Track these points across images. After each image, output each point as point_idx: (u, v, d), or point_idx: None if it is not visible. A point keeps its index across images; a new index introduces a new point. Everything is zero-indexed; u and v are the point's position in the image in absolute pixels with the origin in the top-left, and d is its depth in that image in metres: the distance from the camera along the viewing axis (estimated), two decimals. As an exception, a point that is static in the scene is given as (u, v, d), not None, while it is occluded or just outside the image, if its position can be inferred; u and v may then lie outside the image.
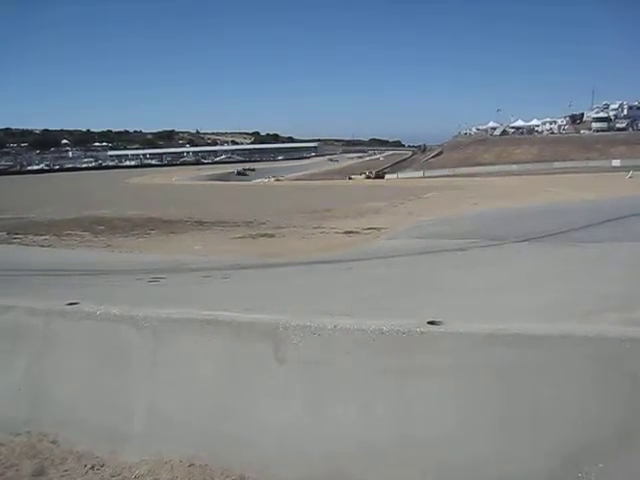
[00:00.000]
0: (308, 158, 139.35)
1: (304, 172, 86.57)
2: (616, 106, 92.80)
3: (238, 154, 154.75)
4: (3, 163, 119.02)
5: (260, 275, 9.61)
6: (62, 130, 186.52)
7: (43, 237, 16.86)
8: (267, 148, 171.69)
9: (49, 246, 15.15)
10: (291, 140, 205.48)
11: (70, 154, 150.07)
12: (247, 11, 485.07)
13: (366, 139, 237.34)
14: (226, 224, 19.78)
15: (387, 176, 70.98)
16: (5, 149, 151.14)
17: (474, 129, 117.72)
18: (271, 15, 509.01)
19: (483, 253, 11.19)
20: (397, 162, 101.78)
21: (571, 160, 67.77)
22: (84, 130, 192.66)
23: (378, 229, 16.92)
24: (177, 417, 3.37)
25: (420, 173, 71.50)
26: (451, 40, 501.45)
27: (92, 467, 3.30)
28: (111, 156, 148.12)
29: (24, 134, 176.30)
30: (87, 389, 3.64)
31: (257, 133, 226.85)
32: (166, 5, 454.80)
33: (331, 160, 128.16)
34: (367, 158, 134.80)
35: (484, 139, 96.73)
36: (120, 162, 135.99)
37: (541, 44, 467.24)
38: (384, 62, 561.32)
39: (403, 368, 2.95)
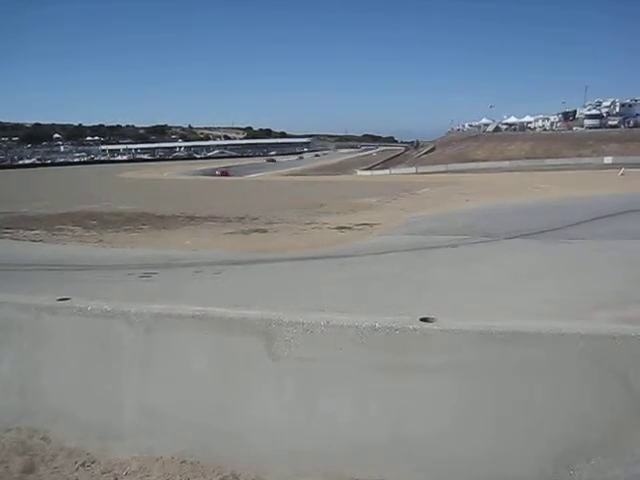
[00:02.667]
0: (300, 153, 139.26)
1: (297, 167, 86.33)
2: (608, 103, 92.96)
3: (231, 149, 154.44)
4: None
5: (252, 271, 9.59)
6: (54, 124, 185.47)
7: (34, 232, 16.77)
8: (260, 143, 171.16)
9: (40, 241, 15.07)
10: (284, 135, 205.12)
11: (62, 148, 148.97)
12: (241, 8, 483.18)
13: (359, 135, 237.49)
14: (218, 219, 19.74)
15: (379, 172, 70.95)
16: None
17: (467, 125, 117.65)
18: (265, 12, 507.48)
19: (475, 249, 11.22)
20: (390, 158, 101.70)
21: (563, 157, 67.93)
22: (76, 124, 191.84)
23: (371, 225, 16.94)
24: (169, 413, 3.35)
25: (413, 169, 71.47)
26: (445, 37, 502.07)
27: (83, 464, 3.28)
28: (103, 150, 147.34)
29: (15, 128, 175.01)
30: (78, 385, 3.61)
31: (250, 128, 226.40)
32: (160, 1, 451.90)
33: (317, 156, 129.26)
34: (360, 154, 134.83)
35: (477, 135, 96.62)
36: (112, 157, 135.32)
37: (535, 42, 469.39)
38: (378, 59, 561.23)
39: (396, 365, 2.95)
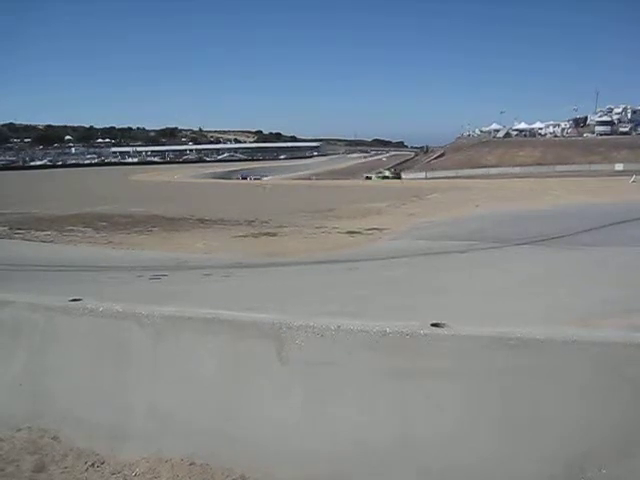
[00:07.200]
0: (311, 157, 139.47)
1: (305, 172, 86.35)
2: (620, 110, 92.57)
3: (241, 152, 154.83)
4: (6, 158, 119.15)
5: (262, 274, 9.59)
6: (65, 126, 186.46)
7: (45, 233, 16.87)
8: (270, 147, 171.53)
9: (51, 242, 15.15)
10: (294, 139, 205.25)
11: (73, 150, 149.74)
12: (251, 10, 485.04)
13: (369, 139, 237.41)
14: (228, 222, 19.78)
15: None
16: (8, 144, 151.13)
17: (477, 131, 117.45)
18: (274, 15, 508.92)
19: (484, 255, 11.17)
20: (400, 163, 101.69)
21: (574, 163, 67.62)
22: (87, 126, 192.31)
23: (380, 230, 16.91)
24: (178, 415, 3.36)
25: (422, 174, 71.31)
26: (455, 42, 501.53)
27: (92, 464, 3.29)
28: (114, 153, 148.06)
29: (27, 129, 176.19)
30: (88, 386, 3.63)
31: (260, 132, 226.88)
32: (171, 2, 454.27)
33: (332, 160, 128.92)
34: (370, 159, 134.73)
35: (487, 141, 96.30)
36: (123, 159, 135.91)
37: (546, 47, 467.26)
38: (388, 63, 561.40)
39: (406, 370, 2.95)
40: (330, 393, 3.09)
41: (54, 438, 3.51)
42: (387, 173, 59.71)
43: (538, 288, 6.92)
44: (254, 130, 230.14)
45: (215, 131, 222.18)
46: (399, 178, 56.48)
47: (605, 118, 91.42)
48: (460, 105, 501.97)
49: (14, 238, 15.83)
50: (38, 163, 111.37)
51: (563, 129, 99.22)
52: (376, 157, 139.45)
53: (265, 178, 68.42)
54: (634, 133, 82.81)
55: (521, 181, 46.25)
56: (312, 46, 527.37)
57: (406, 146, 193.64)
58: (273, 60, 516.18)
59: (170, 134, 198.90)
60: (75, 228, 18.06)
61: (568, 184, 37.36)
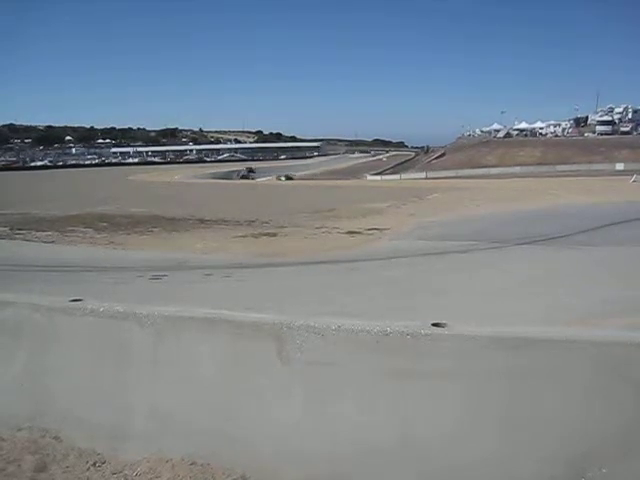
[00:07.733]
0: (311, 158, 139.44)
1: (306, 172, 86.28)
2: (621, 109, 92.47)
3: (241, 153, 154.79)
4: (7, 159, 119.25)
5: (262, 274, 9.60)
6: (66, 127, 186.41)
7: (46, 233, 16.86)
8: (270, 147, 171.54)
9: (52, 242, 15.14)
10: (294, 139, 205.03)
11: (73, 150, 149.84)
12: (251, 10, 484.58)
13: (369, 139, 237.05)
14: (228, 223, 19.76)
15: (389, 177, 71.30)
16: (9, 145, 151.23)
17: (478, 131, 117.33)
18: (275, 15, 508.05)
19: (485, 255, 11.18)
20: (400, 163, 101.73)
21: (574, 163, 67.52)
22: (88, 127, 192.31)
23: (381, 230, 16.89)
24: (179, 415, 3.37)
25: (423, 174, 71.31)
26: (456, 42, 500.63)
27: (94, 464, 3.30)
28: (114, 153, 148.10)
29: (28, 130, 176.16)
30: (89, 386, 3.64)
31: (260, 132, 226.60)
32: (171, 2, 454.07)
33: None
34: (370, 159, 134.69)
35: (487, 141, 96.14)
36: (123, 159, 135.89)
37: (546, 47, 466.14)
38: (388, 63, 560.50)
39: (407, 370, 2.95)
40: (330, 393, 3.10)
41: (55, 438, 3.51)
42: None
43: (538, 288, 6.93)
44: (254, 130, 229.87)
45: (215, 131, 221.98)
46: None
47: (606, 118, 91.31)
48: (460, 105, 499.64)
49: (15, 239, 15.82)
50: (38, 164, 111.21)
51: (564, 129, 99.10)
52: (377, 157, 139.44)
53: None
54: (635, 133, 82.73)
55: (522, 181, 46.16)
56: (312, 46, 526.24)
57: (406, 146, 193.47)
58: (273, 60, 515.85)
59: (170, 134, 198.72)
60: (76, 229, 18.05)
61: (569, 184, 37.30)
